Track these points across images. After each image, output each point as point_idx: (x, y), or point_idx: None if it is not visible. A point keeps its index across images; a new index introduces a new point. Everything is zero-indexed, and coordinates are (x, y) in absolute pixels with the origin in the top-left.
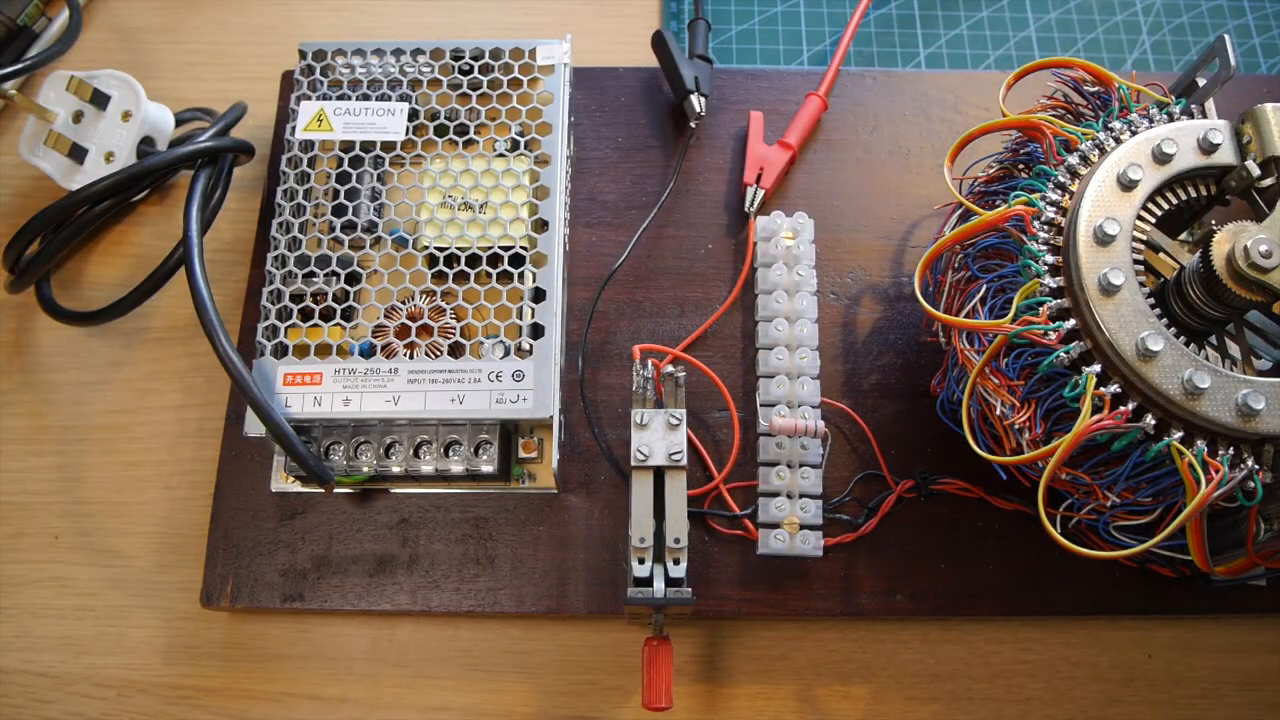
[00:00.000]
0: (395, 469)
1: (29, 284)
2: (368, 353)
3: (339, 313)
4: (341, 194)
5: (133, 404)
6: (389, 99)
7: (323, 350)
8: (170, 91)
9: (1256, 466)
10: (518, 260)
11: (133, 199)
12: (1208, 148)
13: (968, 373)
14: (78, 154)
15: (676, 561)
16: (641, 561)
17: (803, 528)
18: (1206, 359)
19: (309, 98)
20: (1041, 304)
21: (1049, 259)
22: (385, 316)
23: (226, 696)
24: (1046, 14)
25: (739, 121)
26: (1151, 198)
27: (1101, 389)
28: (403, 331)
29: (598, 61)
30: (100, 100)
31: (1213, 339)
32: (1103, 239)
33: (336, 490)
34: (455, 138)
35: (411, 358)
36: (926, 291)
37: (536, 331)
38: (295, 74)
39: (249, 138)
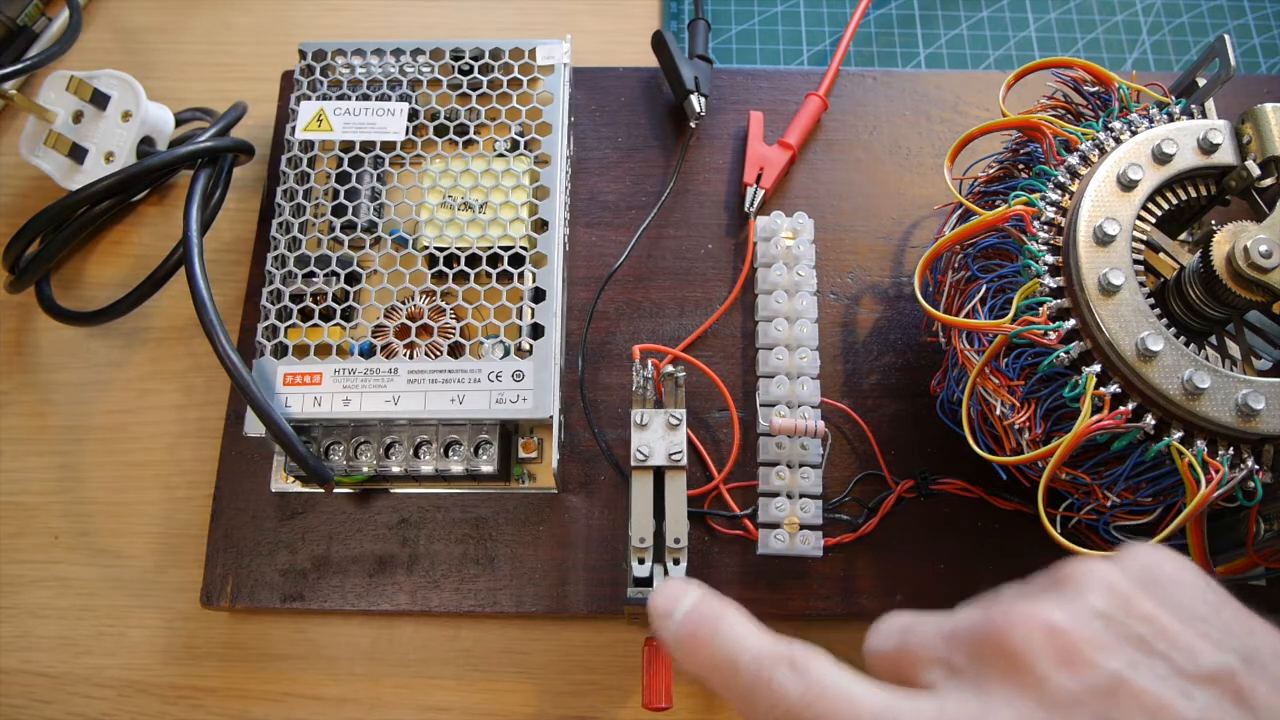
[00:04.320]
0: (395, 469)
1: (29, 284)
2: (368, 353)
3: (339, 313)
4: (341, 194)
5: (133, 404)
6: (389, 99)
7: (323, 350)
8: (170, 91)
9: (1256, 466)
10: (518, 260)
11: (133, 199)
12: (1208, 148)
13: (968, 373)
14: (78, 154)
15: (676, 561)
16: (641, 561)
17: (803, 528)
18: (1206, 359)
19: (309, 98)
20: (1041, 304)
21: (1049, 259)
22: (385, 316)
23: (226, 696)
24: (1046, 14)
25: (739, 121)
26: (1151, 198)
27: (1101, 389)
28: (403, 331)
29: (598, 61)
30: (100, 100)
31: (1213, 339)
32: (1103, 239)
33: (336, 490)
34: (455, 138)
35: (411, 358)
36: (926, 291)
37: (536, 331)
38: (295, 74)
39: (249, 138)
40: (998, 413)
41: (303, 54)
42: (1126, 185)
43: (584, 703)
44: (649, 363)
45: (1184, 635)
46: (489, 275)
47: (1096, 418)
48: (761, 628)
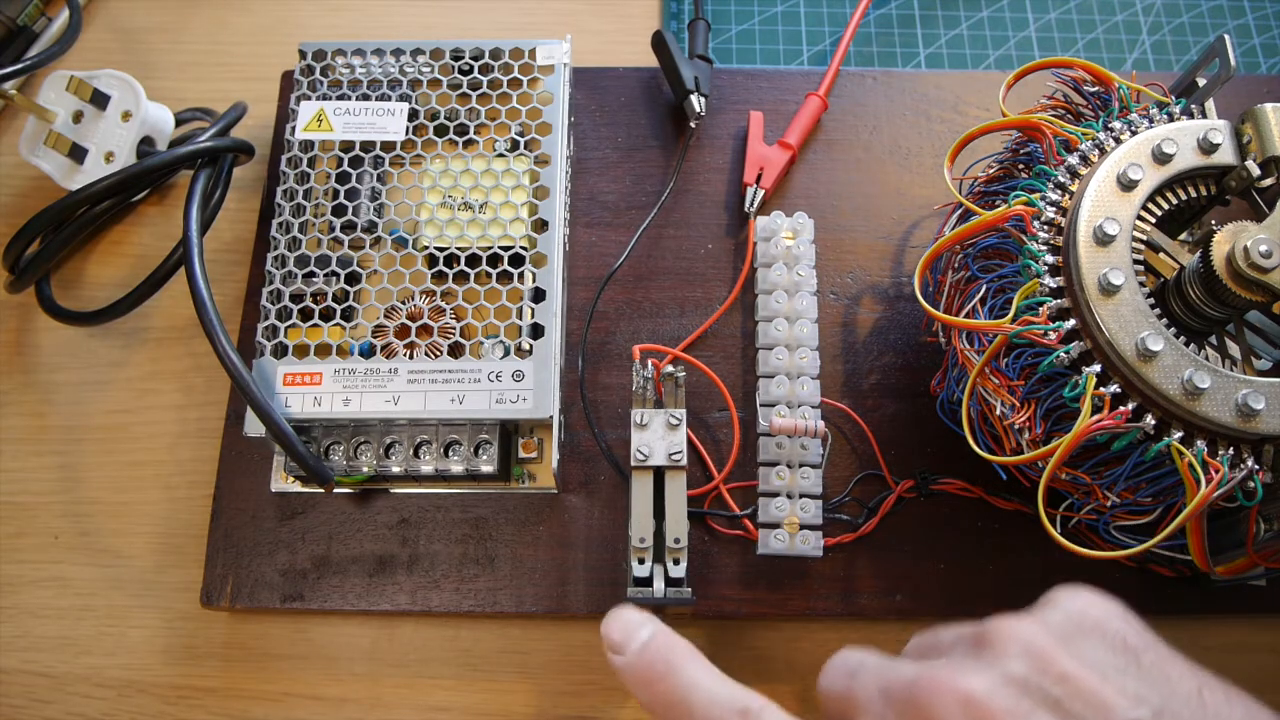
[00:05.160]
0: (395, 469)
1: (29, 284)
2: (368, 353)
3: (339, 313)
4: (341, 194)
5: (133, 404)
6: (389, 99)
7: (323, 350)
8: (170, 91)
9: (1256, 466)
10: (518, 260)
11: (133, 199)
12: (1208, 148)
13: (968, 373)
14: (78, 154)
15: (676, 561)
16: (641, 561)
17: (803, 528)
18: (1206, 359)
19: (309, 98)
20: (1041, 304)
21: (1049, 259)
22: (385, 316)
23: (226, 696)
24: (1046, 14)
25: (739, 121)
26: (1151, 198)
27: (1101, 389)
28: (403, 331)
29: (598, 61)
30: (100, 100)
31: (1213, 339)
32: (1103, 239)
33: (336, 490)
34: (455, 138)
35: (411, 358)
36: (926, 291)
37: (536, 331)
38: (295, 74)
39: (249, 138)
40: (998, 413)
41: (303, 54)
42: (1126, 185)
43: (584, 703)
44: (649, 363)
45: (1099, 692)
46: (489, 275)
47: (1096, 418)
48: (716, 671)
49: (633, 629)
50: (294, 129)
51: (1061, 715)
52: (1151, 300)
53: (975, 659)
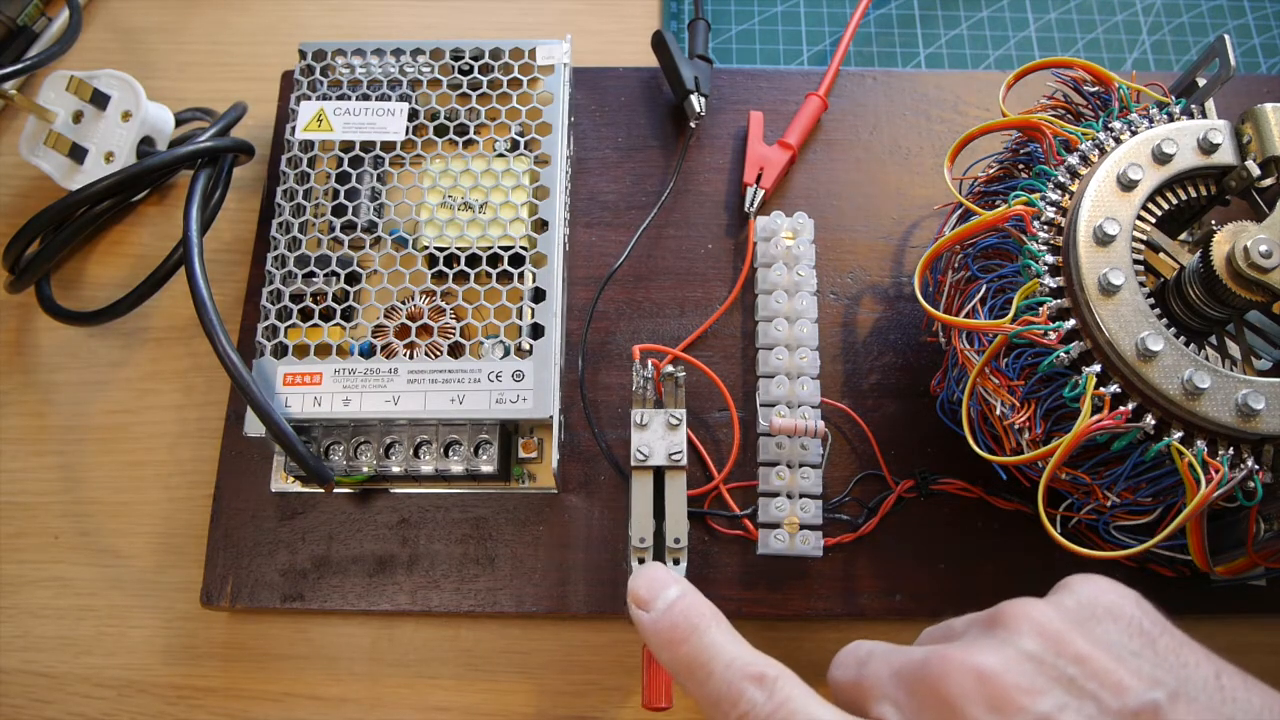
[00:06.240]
0: (395, 469)
1: (29, 284)
2: (368, 353)
3: (339, 313)
4: (341, 194)
5: (133, 404)
6: (389, 99)
7: (323, 350)
8: (170, 91)
9: (1256, 466)
10: (518, 260)
11: (133, 199)
12: (1208, 148)
13: (968, 373)
14: (78, 154)
15: (676, 561)
16: (641, 561)
17: (803, 528)
18: (1206, 359)
19: (309, 98)
20: (1041, 304)
21: (1049, 259)
22: (385, 316)
23: (226, 696)
24: (1046, 14)
25: (739, 121)
26: (1151, 198)
27: (1101, 389)
28: (403, 331)
29: (598, 61)
30: (100, 100)
31: (1213, 339)
32: (1103, 239)
33: (336, 490)
34: (455, 138)
35: (411, 358)
36: (926, 291)
37: (536, 331)
38: (295, 74)
39: (249, 138)
40: (998, 413)
41: (303, 54)
42: (1126, 185)
43: (584, 703)
44: (649, 363)
45: (1114, 673)
46: (489, 275)
47: (1096, 418)
48: (738, 636)
49: (659, 587)
50: (294, 129)
51: (1076, 693)
52: (1151, 300)
53: (989, 637)
